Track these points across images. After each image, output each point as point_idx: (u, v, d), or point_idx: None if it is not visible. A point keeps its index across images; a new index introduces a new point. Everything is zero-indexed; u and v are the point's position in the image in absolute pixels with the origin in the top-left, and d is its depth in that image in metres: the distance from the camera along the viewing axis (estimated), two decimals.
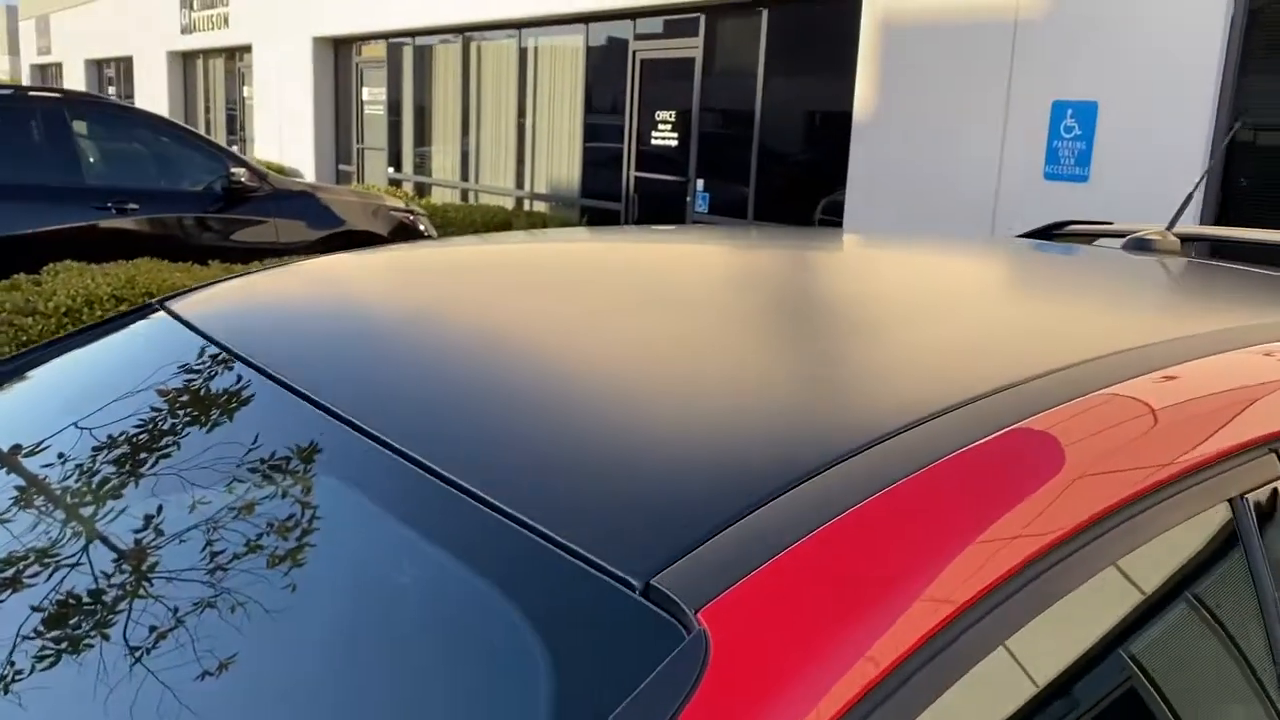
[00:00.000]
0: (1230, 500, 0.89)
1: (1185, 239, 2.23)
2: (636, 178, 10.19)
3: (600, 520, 0.71)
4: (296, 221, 6.97)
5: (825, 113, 8.33)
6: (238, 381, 1.06)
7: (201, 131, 19.94)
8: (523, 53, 11.55)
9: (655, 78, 9.95)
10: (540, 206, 11.47)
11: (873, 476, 0.74)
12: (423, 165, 13.55)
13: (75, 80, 25.57)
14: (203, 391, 1.08)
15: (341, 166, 15.29)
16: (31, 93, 6.30)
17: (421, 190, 13.35)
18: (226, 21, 17.35)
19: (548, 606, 0.67)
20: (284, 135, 15.97)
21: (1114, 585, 0.81)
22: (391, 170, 14.07)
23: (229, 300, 1.37)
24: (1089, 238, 2.52)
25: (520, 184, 11.79)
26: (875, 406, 0.86)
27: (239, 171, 6.74)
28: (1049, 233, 2.57)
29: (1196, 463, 0.86)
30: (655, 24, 9.88)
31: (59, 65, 27.11)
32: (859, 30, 7.63)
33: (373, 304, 1.25)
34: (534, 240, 1.72)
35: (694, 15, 9.35)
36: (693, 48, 9.39)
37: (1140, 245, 1.94)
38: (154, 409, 1.09)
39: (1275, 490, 0.93)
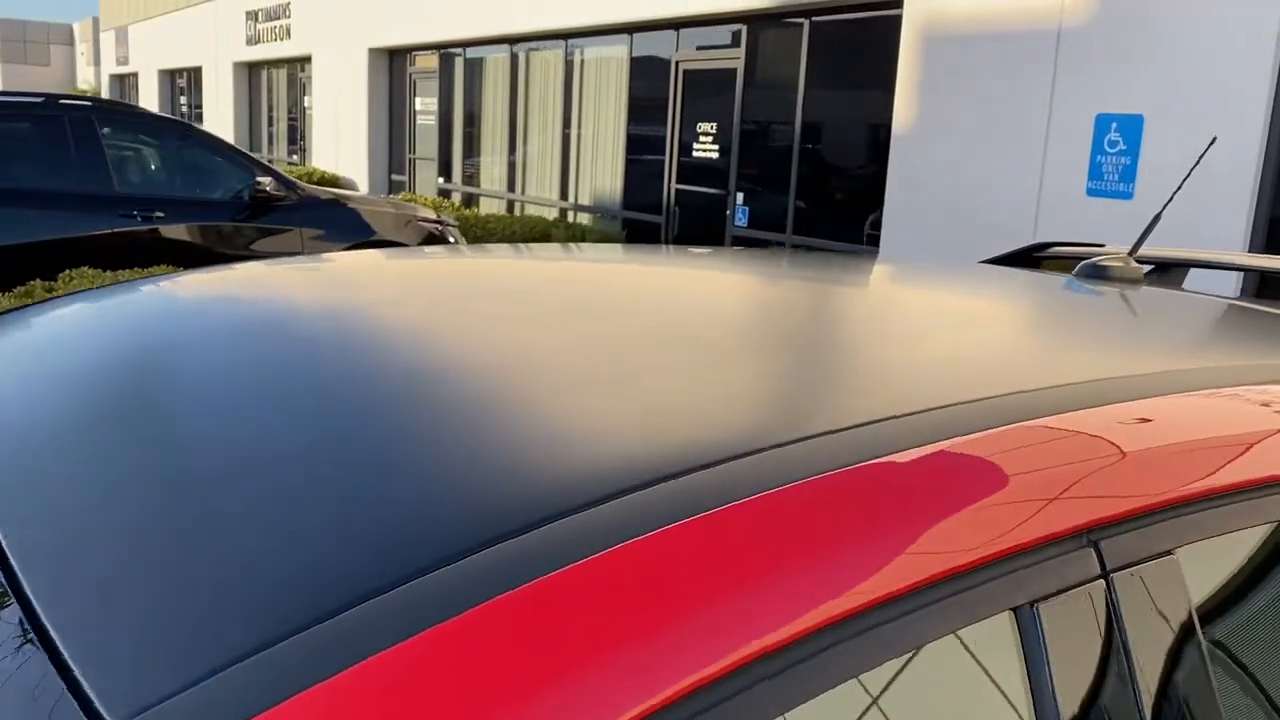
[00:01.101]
0: (1014, 609, 0.72)
1: (1155, 263, 2.04)
2: (677, 190, 10.05)
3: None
4: (322, 230, 6.96)
5: (867, 126, 8.12)
6: None
7: (263, 139, 20.32)
8: (568, 64, 11.50)
9: (697, 89, 9.82)
10: (584, 218, 11.40)
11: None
12: (471, 175, 13.58)
13: (149, 90, 26.24)
14: None
15: (395, 176, 15.39)
16: (62, 100, 6.38)
17: (469, 200, 13.37)
18: (289, 33, 17.63)
19: None
20: (340, 145, 16.14)
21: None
22: (441, 180, 14.12)
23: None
24: (1072, 261, 2.33)
25: (564, 195, 11.73)
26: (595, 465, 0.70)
27: (265, 181, 6.75)
28: (1030, 255, 2.38)
29: (967, 565, 0.70)
30: (698, 35, 9.75)
31: (135, 75, 27.85)
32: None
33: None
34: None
35: (736, 26, 9.20)
36: (734, 59, 9.24)
37: (1095, 273, 1.75)
38: None
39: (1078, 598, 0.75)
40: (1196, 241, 5.49)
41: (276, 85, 19.60)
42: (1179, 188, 1.86)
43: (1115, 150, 6.23)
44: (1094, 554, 0.75)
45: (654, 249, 1.94)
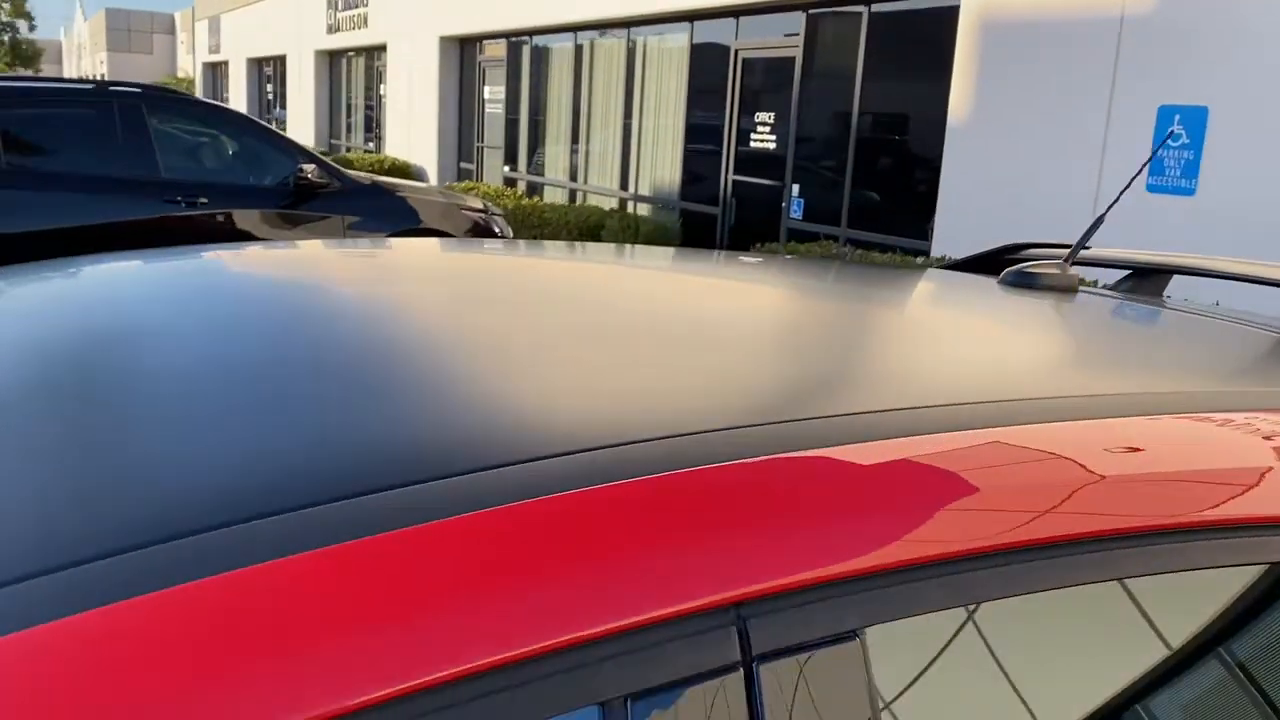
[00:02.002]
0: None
1: (1096, 265, 1.86)
2: (734, 181, 9.87)
3: None
4: (365, 218, 6.97)
5: (924, 118, 7.84)
6: None
7: (341, 128, 20.64)
8: (630, 52, 11.38)
9: (755, 78, 9.63)
10: (643, 209, 11.28)
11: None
12: (536, 164, 13.56)
13: (238, 78, 26.86)
14: None
15: (463, 164, 15.47)
16: (111, 87, 6.48)
17: (534, 190, 13.36)
18: (366, 21, 17.83)
19: None
20: (412, 133, 16.28)
21: None
22: (507, 169, 14.14)
23: None
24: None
25: (624, 186, 11.63)
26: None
27: (309, 168, 6.78)
28: (999, 257, 2.21)
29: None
30: (758, 23, 9.56)
31: (226, 64, 28.54)
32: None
33: None
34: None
35: (795, 13, 8.98)
36: (793, 47, 9.02)
37: (1021, 280, 1.59)
38: None
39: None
40: (1264, 241, 5.16)
41: (355, 74, 19.87)
42: (1128, 185, 1.68)
43: (1178, 144, 5.90)
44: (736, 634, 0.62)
45: (649, 253, 1.92)
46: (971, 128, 7.09)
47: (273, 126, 8.84)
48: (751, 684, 0.61)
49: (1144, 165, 1.67)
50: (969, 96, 7.09)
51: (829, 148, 8.77)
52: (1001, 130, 6.88)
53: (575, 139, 12.60)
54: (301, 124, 21.21)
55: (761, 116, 9.51)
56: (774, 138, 9.37)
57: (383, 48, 17.56)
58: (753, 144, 9.63)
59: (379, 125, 18.47)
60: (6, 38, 37.45)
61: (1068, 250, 2.18)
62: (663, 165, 11.03)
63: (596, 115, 12.18)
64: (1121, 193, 1.66)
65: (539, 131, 13.46)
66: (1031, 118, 6.67)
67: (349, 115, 20.36)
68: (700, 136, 10.37)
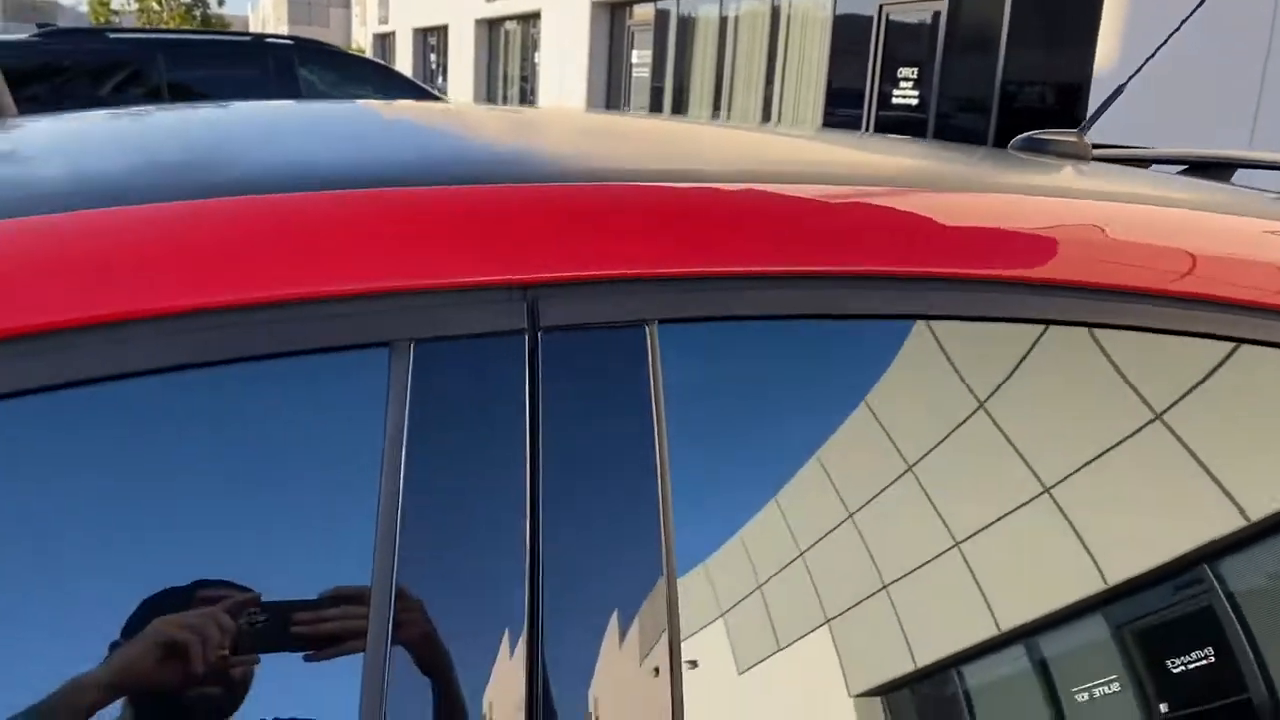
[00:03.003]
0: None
1: (1157, 161, 1.81)
2: None
3: None
4: None
5: (1068, 81, 7.55)
6: None
7: (498, 96, 21.11)
8: (774, 15, 11.30)
9: (899, 37, 9.43)
10: None
11: None
12: None
13: (404, 48, 27.82)
14: None
15: None
16: (266, 39, 6.87)
17: None
18: None
19: None
20: (563, 100, 16.58)
21: None
22: None
23: None
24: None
25: None
26: None
27: None
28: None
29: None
30: None
31: (393, 35, 29.59)
32: None
33: None
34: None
35: None
36: (938, 3, 8.79)
37: (1030, 145, 1.57)
38: None
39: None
40: None
41: (512, 43, 20.32)
42: (1131, 77, 1.62)
43: None
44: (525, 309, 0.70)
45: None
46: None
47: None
48: (535, 351, 0.69)
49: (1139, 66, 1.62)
50: (1116, 57, 6.79)
51: (971, 108, 8.53)
52: (1149, 92, 6.56)
53: (717, 105, 12.60)
54: (461, 94, 21.84)
55: (904, 72, 9.32)
56: (916, 96, 9.16)
57: (537, 15, 17.90)
58: (894, 104, 9.44)
59: (533, 94, 18.86)
60: (198, 13, 39.97)
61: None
62: (803, 127, 10.93)
63: (739, 80, 12.14)
64: (1148, 59, 1.60)
65: (683, 98, 13.51)
66: (1183, 80, 6.34)
67: (505, 86, 20.85)
68: (841, 101, 10.22)
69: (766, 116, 11.50)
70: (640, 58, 14.67)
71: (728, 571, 0.73)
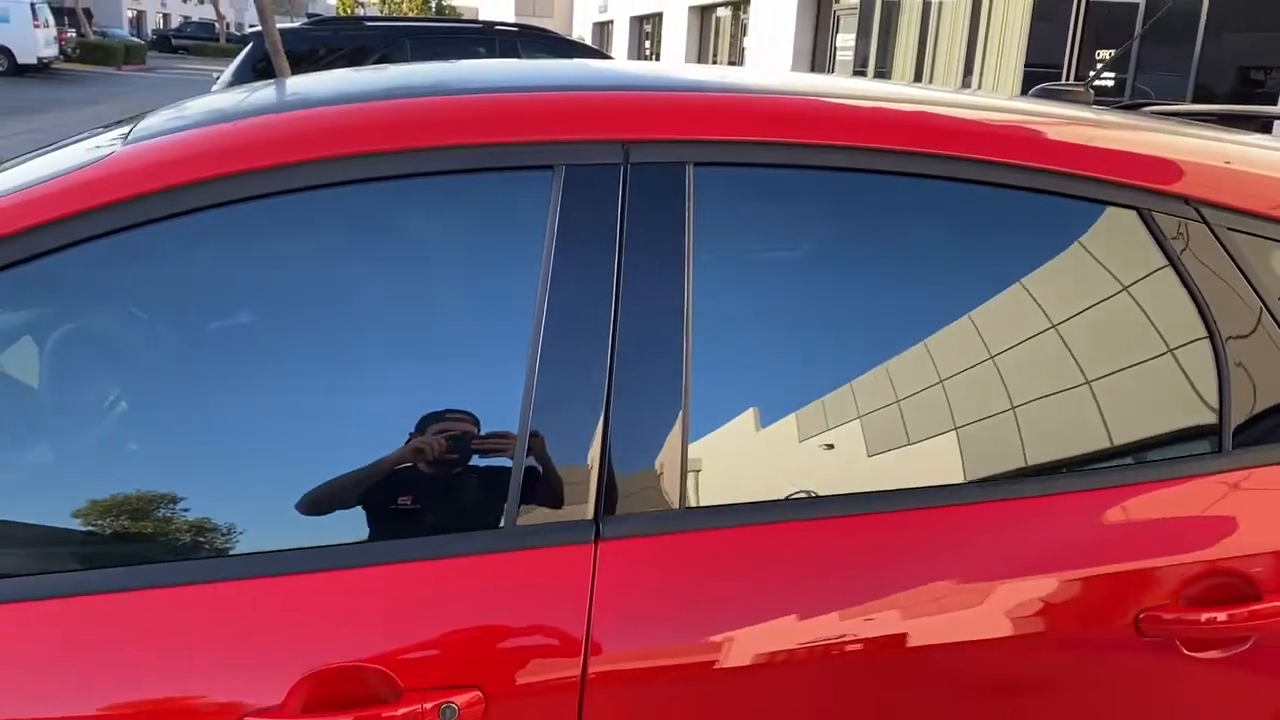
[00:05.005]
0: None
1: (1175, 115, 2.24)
2: None
3: None
4: None
5: (1270, 63, 7.50)
6: None
7: None
8: (975, 2, 11.44)
9: (1099, 22, 9.46)
10: None
11: None
12: None
13: (621, 35, 28.94)
14: None
15: None
16: (496, 26, 7.77)
17: None
18: None
19: None
20: None
21: None
22: None
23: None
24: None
25: None
26: None
27: None
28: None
29: None
30: None
31: (611, 22, 30.79)
32: None
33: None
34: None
35: None
36: None
37: (1043, 94, 2.07)
38: None
39: None
40: None
41: (722, 28, 20.96)
42: (1138, 35, 2.05)
43: None
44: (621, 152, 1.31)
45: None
46: None
47: None
48: (626, 176, 1.32)
49: (1142, 31, 2.05)
50: None
51: (1167, 92, 8.53)
52: None
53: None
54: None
55: (1102, 57, 9.36)
56: (1111, 80, 9.20)
57: (748, 1, 18.45)
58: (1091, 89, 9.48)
59: None
60: (433, 4, 42.85)
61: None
62: None
63: (940, 64, 12.33)
64: (1159, 14, 2.05)
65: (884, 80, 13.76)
66: None
67: None
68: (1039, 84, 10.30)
69: None
70: (844, 41, 14.99)
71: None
